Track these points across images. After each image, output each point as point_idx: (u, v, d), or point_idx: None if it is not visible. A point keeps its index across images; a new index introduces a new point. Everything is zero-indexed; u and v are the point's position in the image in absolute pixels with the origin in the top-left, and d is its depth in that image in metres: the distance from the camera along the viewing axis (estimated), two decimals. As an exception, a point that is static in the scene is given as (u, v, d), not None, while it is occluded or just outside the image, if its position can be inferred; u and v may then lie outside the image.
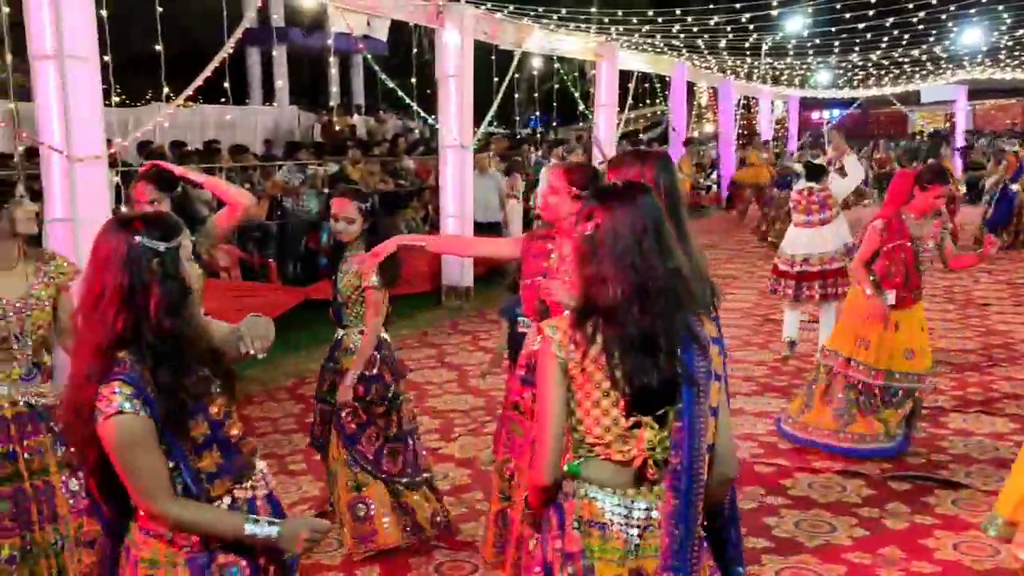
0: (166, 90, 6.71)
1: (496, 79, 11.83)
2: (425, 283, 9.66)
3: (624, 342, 1.94)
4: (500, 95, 10.90)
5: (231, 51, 6.48)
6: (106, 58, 5.55)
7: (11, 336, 3.07)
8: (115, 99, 8.15)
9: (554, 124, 21.75)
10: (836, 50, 15.36)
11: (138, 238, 1.96)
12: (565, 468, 2.03)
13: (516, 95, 18.15)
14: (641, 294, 1.96)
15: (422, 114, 10.87)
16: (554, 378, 2.01)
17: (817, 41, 14.54)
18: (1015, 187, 12.87)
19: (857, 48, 15.00)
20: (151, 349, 1.95)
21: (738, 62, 17.55)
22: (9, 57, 5.32)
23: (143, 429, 1.92)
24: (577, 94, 16.62)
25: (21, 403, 3.09)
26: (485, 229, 10.56)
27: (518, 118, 22.54)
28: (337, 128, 15.41)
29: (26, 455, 3.07)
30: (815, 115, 31.66)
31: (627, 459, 1.97)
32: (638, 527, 1.98)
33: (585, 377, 1.99)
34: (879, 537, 4.11)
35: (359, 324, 3.88)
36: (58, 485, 3.12)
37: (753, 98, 23.98)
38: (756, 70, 18.86)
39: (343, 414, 3.84)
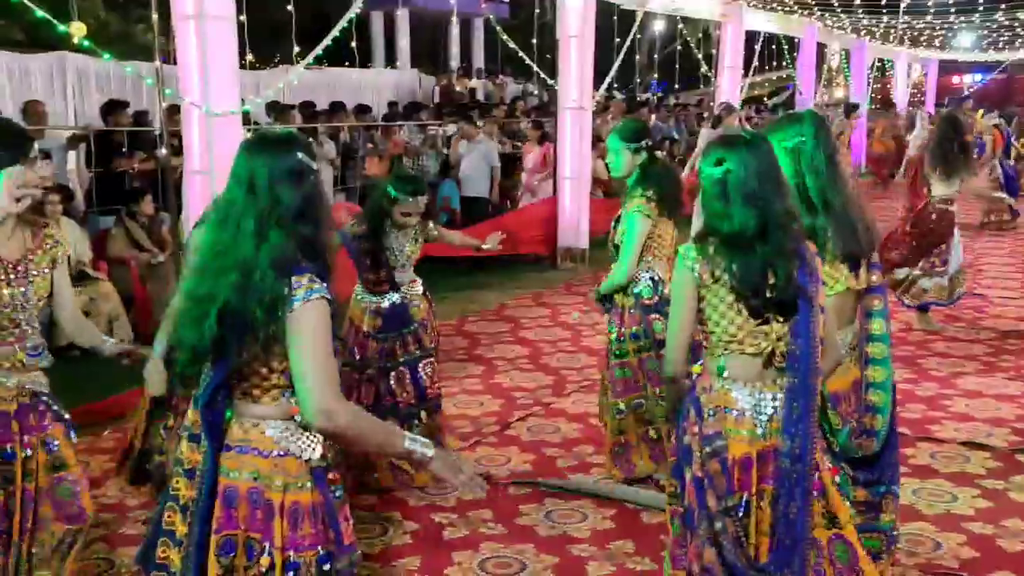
0: (296, 50, 6.94)
1: (617, 40, 11.70)
2: (541, 246, 9.73)
3: (746, 266, 2.35)
4: (620, 57, 10.78)
5: (357, 13, 6.64)
6: (242, 18, 5.79)
7: (18, 304, 2.66)
8: (249, 58, 8.46)
9: (675, 87, 21.32)
10: (980, 8, 14.47)
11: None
12: (712, 366, 2.46)
13: (637, 57, 17.88)
14: (762, 229, 2.35)
15: (542, 75, 10.85)
16: (687, 291, 2.43)
17: (960, -2, 13.73)
18: None
19: (1004, 6, 14.09)
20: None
21: (873, 22, 16.77)
22: (155, 17, 5.62)
23: (329, 314, 2.05)
24: (700, 56, 16.27)
25: (27, 389, 2.69)
26: (470, 204, 9.63)
27: (639, 80, 22.22)
28: (457, 90, 15.58)
29: (27, 452, 2.67)
30: (955, 79, 30.03)
31: (759, 351, 2.41)
32: (765, 415, 2.41)
33: (716, 289, 2.40)
34: (1003, 509, 3.97)
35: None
36: (45, 487, 2.70)
37: (888, 61, 22.92)
38: (893, 30, 17.98)
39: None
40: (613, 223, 4.08)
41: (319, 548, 2.09)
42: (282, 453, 2.09)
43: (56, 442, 2.73)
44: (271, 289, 1.99)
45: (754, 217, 2.34)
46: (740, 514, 2.38)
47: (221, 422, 2.10)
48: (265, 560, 2.06)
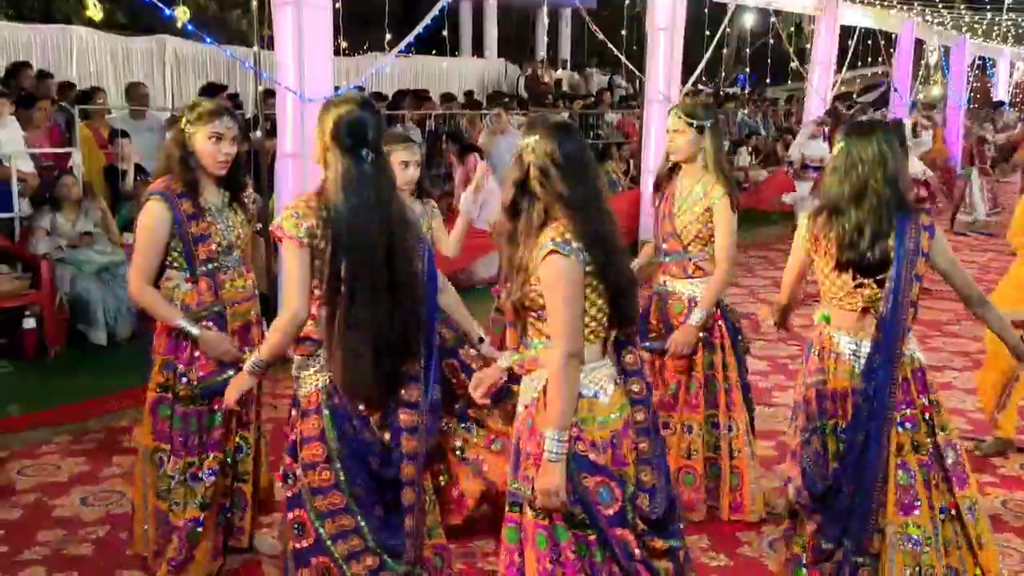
0: (388, 37, 7.05)
1: (707, 33, 11.55)
2: (622, 237, 9.64)
3: (843, 230, 2.83)
4: (710, 50, 10.64)
5: (448, 2, 6.71)
6: (337, 5, 5.91)
7: None
8: (343, 44, 8.59)
9: (766, 82, 20.92)
10: (1093, 5, 13.82)
11: None
12: (817, 316, 3.00)
13: (725, 50, 17.58)
14: (862, 197, 2.81)
15: (629, 67, 10.79)
16: (800, 251, 3.03)
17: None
18: None
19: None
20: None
21: (976, 18, 16.16)
22: (254, 3, 5.78)
23: None
24: (791, 51, 15.91)
25: None
26: None
27: (723, 74, 21.87)
28: (543, 81, 15.56)
29: None
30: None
31: (854, 308, 2.91)
32: (861, 358, 2.88)
33: (824, 252, 2.91)
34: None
35: None
36: None
37: (990, 59, 22.07)
38: (996, 27, 17.29)
39: None
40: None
41: None
42: None
43: None
44: None
45: (855, 187, 2.82)
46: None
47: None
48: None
